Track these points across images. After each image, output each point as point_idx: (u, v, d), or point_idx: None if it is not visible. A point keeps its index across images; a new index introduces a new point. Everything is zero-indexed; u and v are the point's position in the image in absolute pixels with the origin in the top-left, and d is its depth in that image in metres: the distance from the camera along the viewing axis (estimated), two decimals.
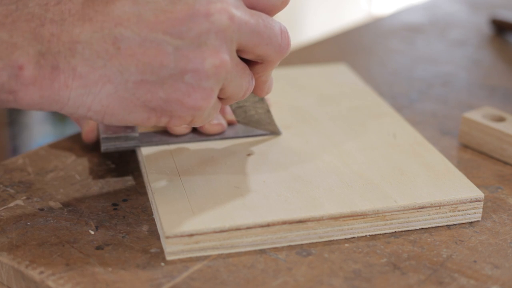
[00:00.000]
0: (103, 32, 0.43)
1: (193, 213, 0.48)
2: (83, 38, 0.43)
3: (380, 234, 0.50)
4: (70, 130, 1.84)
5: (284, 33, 0.47)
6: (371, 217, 0.49)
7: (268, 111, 0.57)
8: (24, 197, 0.54)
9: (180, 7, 0.43)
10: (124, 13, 0.43)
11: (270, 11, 0.47)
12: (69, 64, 0.43)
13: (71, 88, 0.43)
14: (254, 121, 0.58)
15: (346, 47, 0.92)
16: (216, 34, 0.43)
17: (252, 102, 0.56)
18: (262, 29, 0.46)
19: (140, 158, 0.57)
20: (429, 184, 0.52)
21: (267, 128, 0.59)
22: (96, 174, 0.57)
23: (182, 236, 0.46)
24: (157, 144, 0.57)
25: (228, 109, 0.61)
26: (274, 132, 0.59)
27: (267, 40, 0.46)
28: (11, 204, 0.53)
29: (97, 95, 0.44)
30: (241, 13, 0.45)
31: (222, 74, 0.44)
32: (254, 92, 0.51)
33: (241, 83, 0.47)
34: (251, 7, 0.46)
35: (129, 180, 0.57)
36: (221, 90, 0.46)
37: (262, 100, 0.56)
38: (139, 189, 0.55)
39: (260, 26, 0.46)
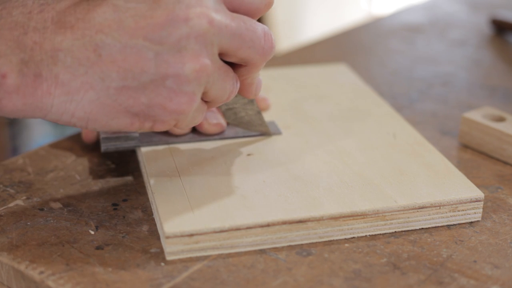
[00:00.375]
0: (84, 40, 0.43)
1: (193, 213, 0.48)
2: (65, 45, 0.43)
3: (380, 234, 0.50)
4: (70, 130, 1.84)
5: (267, 36, 0.47)
6: (371, 217, 0.49)
7: (259, 113, 0.57)
8: (24, 197, 0.54)
9: (160, 13, 0.43)
10: (105, 20, 0.43)
11: (253, 14, 0.47)
12: (52, 72, 0.43)
13: (54, 95, 0.44)
14: (245, 123, 0.58)
15: (346, 47, 0.92)
16: (196, 38, 0.43)
17: (242, 104, 0.56)
18: (244, 32, 0.46)
19: (140, 158, 0.57)
20: (429, 184, 0.52)
21: (258, 129, 0.58)
22: (96, 174, 0.57)
23: (182, 236, 0.46)
24: (157, 144, 0.57)
25: None
26: (266, 133, 0.59)
27: (250, 43, 0.46)
28: (11, 204, 0.53)
29: (80, 102, 0.44)
30: (221, 17, 0.44)
31: (203, 78, 0.44)
32: (242, 94, 0.51)
33: (224, 86, 0.47)
34: (233, 10, 0.46)
35: (129, 180, 0.57)
36: (204, 93, 0.46)
37: (252, 101, 0.56)
38: (139, 189, 0.55)
39: (242, 29, 0.45)
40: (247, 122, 0.58)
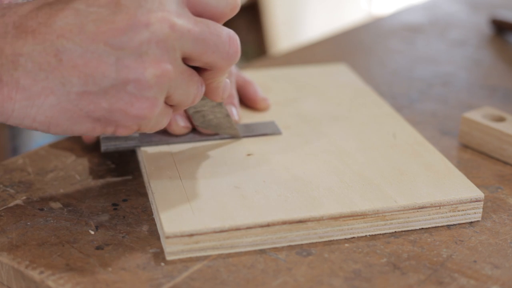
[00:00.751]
0: (45, 44, 0.43)
1: (193, 213, 0.48)
2: (26, 50, 0.43)
3: (380, 234, 0.50)
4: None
5: (232, 40, 0.47)
6: (371, 217, 0.49)
7: (227, 115, 0.57)
8: (24, 197, 0.54)
9: (121, 17, 0.43)
10: (66, 25, 0.43)
11: (219, 19, 0.47)
12: (12, 76, 0.43)
13: (15, 100, 0.44)
14: (214, 126, 0.57)
15: (346, 47, 0.92)
16: (157, 43, 0.43)
17: (210, 107, 0.55)
18: (207, 36, 0.45)
19: (140, 158, 0.57)
20: (429, 184, 0.52)
21: (227, 132, 0.58)
22: (96, 174, 0.57)
23: (182, 236, 0.46)
24: (157, 144, 0.57)
25: (227, 109, 0.61)
26: (236, 136, 0.58)
27: (214, 47, 0.46)
28: (11, 204, 0.53)
29: (41, 107, 0.44)
30: (184, 21, 0.44)
31: (164, 83, 0.44)
32: (209, 97, 0.50)
33: (188, 90, 0.46)
34: (198, 14, 0.46)
35: (129, 180, 0.57)
36: (168, 97, 0.46)
37: (220, 104, 0.56)
38: (139, 189, 0.55)
39: (205, 34, 0.45)
40: (215, 125, 0.57)
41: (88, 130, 0.46)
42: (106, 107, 0.44)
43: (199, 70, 0.48)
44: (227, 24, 0.48)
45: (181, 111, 0.59)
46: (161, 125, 0.47)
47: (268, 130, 0.60)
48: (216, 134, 0.59)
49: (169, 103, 0.47)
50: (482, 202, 0.52)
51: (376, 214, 0.49)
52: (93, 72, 0.43)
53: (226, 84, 0.51)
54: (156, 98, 0.44)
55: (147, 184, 0.54)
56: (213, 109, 0.56)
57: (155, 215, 0.51)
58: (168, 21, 0.43)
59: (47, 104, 0.44)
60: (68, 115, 0.44)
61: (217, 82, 0.49)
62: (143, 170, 0.55)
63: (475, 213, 0.52)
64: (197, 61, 0.46)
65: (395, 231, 0.50)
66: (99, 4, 0.43)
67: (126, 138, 0.57)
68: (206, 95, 0.50)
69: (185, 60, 0.46)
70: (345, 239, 0.49)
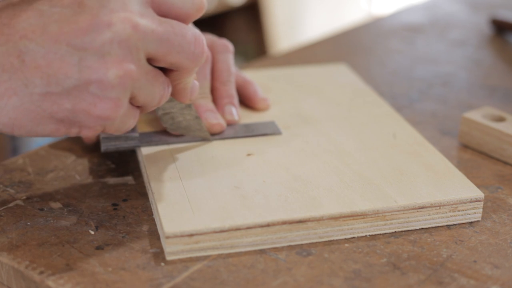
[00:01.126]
0: (8, 45, 0.43)
1: (193, 213, 0.48)
2: None
3: (380, 234, 0.50)
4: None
5: (198, 41, 0.46)
6: (371, 217, 0.49)
7: (197, 118, 0.56)
8: (24, 197, 0.54)
9: (83, 18, 0.43)
10: (29, 25, 0.43)
11: (184, 20, 0.47)
12: None
13: None
14: (183, 128, 0.57)
15: (346, 47, 0.92)
16: (119, 43, 0.43)
17: (179, 108, 0.55)
18: (172, 37, 0.45)
19: (140, 158, 0.57)
20: (429, 184, 0.52)
21: (197, 134, 0.57)
22: (96, 174, 0.57)
23: (182, 236, 0.46)
24: (157, 144, 0.57)
25: (227, 109, 0.61)
26: (205, 138, 0.58)
27: (178, 48, 0.45)
28: (11, 204, 0.53)
29: (4, 108, 0.44)
30: (147, 22, 0.44)
31: (128, 83, 0.44)
32: (176, 98, 0.50)
33: (153, 90, 0.46)
34: (163, 15, 0.46)
35: (129, 180, 0.57)
36: (133, 98, 0.46)
37: (189, 106, 0.55)
38: (139, 189, 0.55)
39: (170, 34, 0.45)
40: (185, 127, 0.57)
41: (52, 131, 0.45)
42: (69, 108, 0.44)
43: (165, 71, 0.47)
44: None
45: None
46: (128, 126, 0.47)
47: (268, 130, 0.60)
48: (215, 134, 0.59)
49: (134, 104, 0.46)
50: (482, 202, 0.52)
51: (376, 214, 0.49)
52: (56, 72, 0.43)
53: (194, 85, 0.50)
54: (119, 98, 0.44)
55: (147, 184, 0.54)
56: (182, 111, 0.55)
57: (155, 215, 0.51)
58: (130, 21, 0.43)
59: (10, 105, 0.44)
60: (31, 116, 0.44)
61: (184, 83, 0.49)
62: (143, 170, 0.55)
63: (475, 213, 0.52)
64: (162, 61, 0.46)
65: (395, 231, 0.50)
66: (62, 5, 0.43)
67: (126, 138, 0.57)
68: (174, 97, 0.50)
69: (150, 61, 0.45)
70: (345, 239, 0.49)
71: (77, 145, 0.62)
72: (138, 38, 0.43)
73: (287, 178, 0.53)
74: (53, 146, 0.62)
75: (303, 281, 0.45)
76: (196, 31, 0.47)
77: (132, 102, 0.46)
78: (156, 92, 0.46)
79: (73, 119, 0.45)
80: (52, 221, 0.51)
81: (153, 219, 0.51)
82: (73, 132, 0.46)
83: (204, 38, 0.47)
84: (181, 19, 0.46)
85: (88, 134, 0.46)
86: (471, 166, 0.60)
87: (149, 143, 0.57)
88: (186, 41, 0.46)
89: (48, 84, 0.43)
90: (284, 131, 0.60)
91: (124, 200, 0.54)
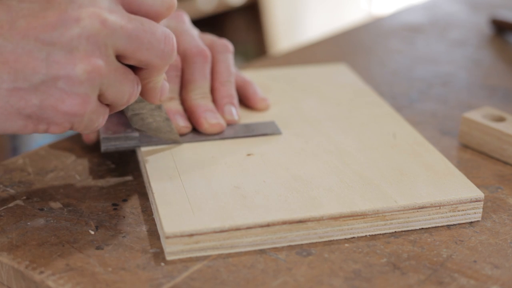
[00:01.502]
0: None
1: (193, 213, 0.48)
2: None
3: (380, 234, 0.50)
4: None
5: (168, 39, 0.46)
6: (371, 217, 0.49)
7: (167, 119, 0.56)
8: (24, 197, 0.54)
9: (52, 13, 0.43)
10: None
11: (155, 18, 0.46)
12: None
13: None
14: (153, 129, 0.56)
15: (346, 47, 0.92)
16: (87, 39, 0.43)
17: (149, 109, 0.55)
18: (141, 34, 0.45)
19: (140, 158, 0.57)
20: (429, 184, 0.52)
21: (167, 136, 0.57)
22: (96, 174, 0.57)
23: (182, 236, 0.46)
24: (157, 144, 0.57)
25: (227, 109, 0.61)
26: (175, 141, 0.57)
27: (148, 45, 0.45)
28: (11, 204, 0.53)
29: None
30: (116, 18, 0.44)
31: (96, 79, 0.44)
32: (146, 99, 0.50)
33: (122, 88, 0.46)
34: (133, 13, 0.46)
35: (129, 180, 0.57)
36: (101, 95, 0.45)
37: (159, 107, 0.55)
38: (139, 189, 0.55)
39: (139, 31, 0.45)
40: (155, 129, 0.56)
41: (20, 127, 0.45)
42: (36, 104, 0.44)
43: (135, 69, 0.47)
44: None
45: (181, 111, 0.59)
46: (97, 125, 0.47)
47: (268, 130, 0.60)
48: (215, 134, 0.59)
49: (103, 102, 0.46)
50: (482, 202, 0.52)
51: (376, 214, 0.49)
52: (24, 68, 0.43)
53: (164, 86, 0.50)
54: (88, 94, 0.44)
55: (147, 184, 0.54)
56: (152, 112, 0.55)
57: (155, 215, 0.51)
58: (99, 17, 0.43)
59: None
60: None
61: (154, 83, 0.49)
62: (143, 170, 0.55)
63: (475, 213, 0.52)
64: (131, 58, 0.46)
65: (395, 231, 0.50)
66: (31, 0, 0.43)
67: (126, 138, 0.57)
68: (143, 97, 0.50)
69: (119, 58, 0.45)
70: (345, 239, 0.49)
71: (77, 145, 0.62)
72: (106, 33, 0.43)
73: (287, 178, 0.53)
74: (53, 146, 0.62)
75: (303, 281, 0.45)
76: (166, 29, 0.47)
77: (101, 99, 0.46)
78: (125, 90, 0.46)
79: (41, 115, 0.44)
80: (52, 221, 0.51)
81: (153, 219, 0.51)
82: (41, 129, 0.45)
83: (174, 37, 0.47)
84: (151, 17, 0.46)
85: (56, 131, 0.45)
86: (471, 166, 0.60)
87: (149, 143, 0.57)
88: (155, 38, 0.46)
89: (15, 80, 0.43)
90: (284, 131, 0.60)
91: (124, 200, 0.54)
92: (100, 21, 0.43)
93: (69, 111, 0.44)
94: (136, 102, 0.54)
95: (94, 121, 0.46)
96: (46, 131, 0.46)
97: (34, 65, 0.43)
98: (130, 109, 0.55)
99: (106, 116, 0.47)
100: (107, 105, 0.47)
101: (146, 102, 0.54)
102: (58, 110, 0.44)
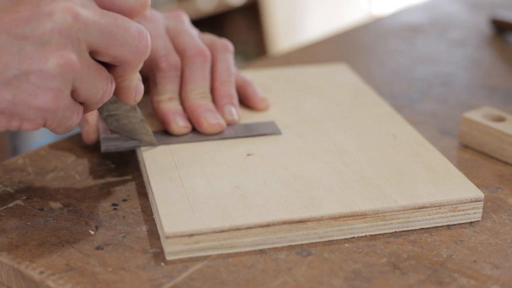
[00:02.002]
0: None
1: (193, 213, 0.48)
2: None
3: (380, 234, 0.50)
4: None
5: (142, 35, 0.46)
6: (371, 217, 0.49)
7: (143, 121, 0.56)
8: (24, 197, 0.54)
9: (24, 7, 0.43)
10: None
11: (128, 14, 0.46)
12: None
13: None
14: (128, 131, 0.56)
15: (346, 47, 0.92)
16: (60, 33, 0.43)
17: (124, 110, 0.55)
18: (114, 29, 0.45)
19: (140, 158, 0.57)
20: (429, 184, 0.52)
21: (142, 138, 0.56)
22: (96, 174, 0.57)
23: (182, 236, 0.46)
24: (157, 144, 0.57)
25: (227, 109, 0.61)
26: (151, 143, 0.57)
27: (121, 41, 0.45)
28: (11, 204, 0.53)
29: None
30: (89, 13, 0.44)
31: (68, 73, 0.44)
32: (120, 98, 0.50)
33: (95, 85, 0.46)
34: (106, 9, 0.46)
35: (129, 180, 0.57)
36: (74, 91, 0.45)
37: (135, 109, 0.55)
38: (139, 189, 0.55)
39: (112, 26, 0.45)
40: (130, 130, 0.56)
41: None
42: (9, 99, 0.43)
43: (109, 67, 0.47)
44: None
45: (181, 111, 0.59)
46: (70, 123, 0.46)
47: (268, 130, 0.60)
48: (215, 134, 0.59)
49: (77, 99, 0.46)
50: (482, 202, 0.52)
51: (376, 214, 0.49)
52: None
53: (139, 86, 0.50)
54: (60, 89, 0.44)
55: (147, 184, 0.54)
56: (127, 113, 0.55)
57: (155, 215, 0.51)
58: (71, 11, 0.43)
59: None
60: None
61: (128, 81, 0.48)
62: (143, 170, 0.55)
63: (475, 213, 0.52)
64: (105, 54, 0.45)
65: (395, 231, 0.50)
66: None
67: (126, 138, 0.57)
68: (118, 96, 0.49)
69: (92, 54, 0.45)
70: (345, 239, 0.49)
71: (77, 145, 0.62)
72: (79, 28, 0.43)
73: (287, 178, 0.53)
74: (53, 146, 0.62)
75: (303, 281, 0.45)
76: (140, 25, 0.46)
77: (74, 96, 0.46)
78: (98, 87, 0.46)
79: (14, 111, 0.44)
80: (52, 221, 0.51)
81: (153, 219, 0.51)
82: (14, 125, 0.45)
83: (147, 33, 0.47)
84: (125, 13, 0.46)
85: (29, 127, 0.45)
86: (471, 166, 0.60)
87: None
88: (129, 34, 0.45)
89: None
90: (284, 131, 0.60)
91: (124, 200, 0.54)
92: (73, 15, 0.43)
93: (42, 106, 0.44)
94: (111, 102, 0.54)
95: (68, 119, 0.46)
96: (19, 128, 0.45)
97: (6, 60, 0.43)
98: (105, 110, 0.54)
99: (81, 115, 0.47)
100: (82, 103, 0.47)
101: (122, 103, 0.53)
102: (30, 106, 0.44)
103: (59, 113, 0.45)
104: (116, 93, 0.49)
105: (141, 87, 0.50)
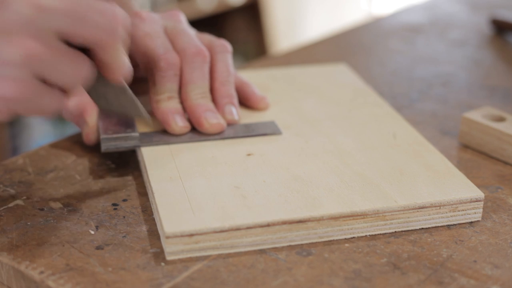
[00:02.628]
0: None
1: (193, 213, 0.48)
2: None
3: (380, 234, 0.50)
4: (70, 130, 1.84)
5: (107, 12, 0.45)
6: (371, 217, 0.49)
7: (132, 100, 0.54)
8: (24, 197, 0.54)
9: None
10: None
11: None
12: None
13: None
14: (118, 107, 0.54)
15: (346, 47, 0.92)
16: (22, 23, 0.43)
17: (112, 88, 0.53)
18: (79, 12, 0.44)
19: (140, 158, 0.57)
20: (429, 184, 0.52)
21: (132, 113, 0.55)
22: (96, 174, 0.57)
23: (182, 236, 0.46)
24: (157, 144, 0.57)
25: (227, 109, 0.61)
26: (140, 115, 0.55)
27: (91, 22, 0.45)
28: (11, 204, 0.53)
29: None
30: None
31: (32, 62, 0.43)
32: (106, 76, 0.49)
33: (67, 70, 0.45)
34: None
35: (129, 180, 0.57)
36: (45, 78, 0.45)
37: (124, 89, 0.53)
38: (139, 189, 0.55)
39: (76, 9, 0.44)
40: (120, 106, 0.54)
41: None
42: None
43: (87, 51, 0.47)
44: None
45: (180, 110, 0.59)
46: (47, 108, 0.46)
47: (268, 130, 0.60)
48: (215, 134, 0.59)
49: (52, 85, 0.46)
50: (482, 202, 0.52)
51: (376, 214, 0.49)
52: None
53: (124, 62, 0.49)
54: (23, 78, 0.44)
55: (147, 184, 0.54)
56: (116, 92, 0.53)
57: (155, 215, 0.51)
58: (32, 0, 0.43)
59: None
60: None
61: (111, 61, 0.48)
62: (143, 170, 0.55)
63: (475, 213, 0.52)
64: (75, 37, 0.45)
65: (395, 231, 0.50)
66: None
67: (126, 138, 0.57)
68: (105, 75, 0.49)
69: (64, 39, 0.45)
70: (345, 239, 0.49)
71: (77, 145, 0.62)
72: (42, 16, 0.43)
73: (287, 178, 0.53)
74: (53, 146, 0.62)
75: (303, 281, 0.45)
76: (107, 4, 0.46)
77: (47, 82, 0.45)
78: (72, 72, 0.46)
79: None
80: (52, 221, 0.51)
81: (153, 219, 0.51)
82: None
83: (116, 10, 0.46)
84: None
85: None
86: (471, 166, 0.60)
87: (149, 143, 0.57)
88: (96, 14, 0.45)
89: None
90: (284, 131, 0.60)
91: (124, 200, 0.54)
92: (33, 4, 0.43)
93: (4, 96, 0.44)
94: (99, 83, 0.53)
95: (45, 105, 0.46)
96: None
97: None
98: (93, 89, 0.53)
99: (62, 98, 0.47)
100: (61, 89, 0.46)
101: (111, 83, 0.52)
102: None
103: (28, 102, 0.45)
104: (102, 72, 0.49)
105: (126, 62, 0.49)
